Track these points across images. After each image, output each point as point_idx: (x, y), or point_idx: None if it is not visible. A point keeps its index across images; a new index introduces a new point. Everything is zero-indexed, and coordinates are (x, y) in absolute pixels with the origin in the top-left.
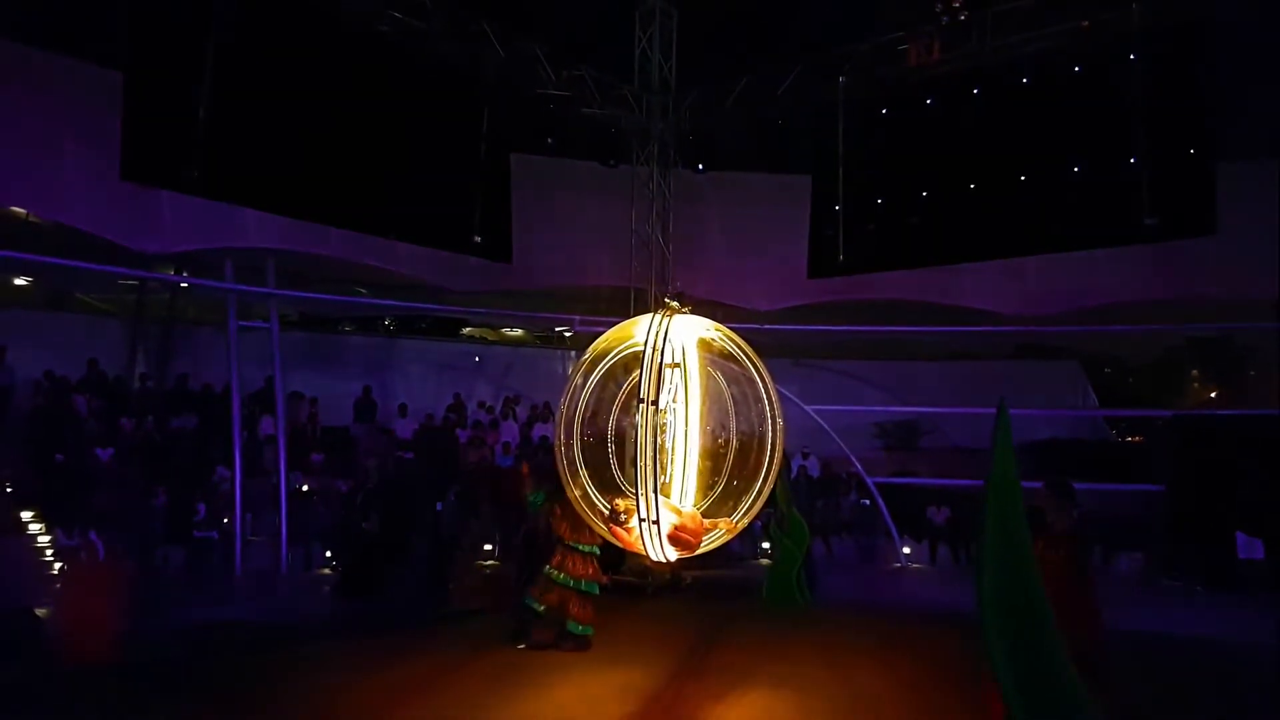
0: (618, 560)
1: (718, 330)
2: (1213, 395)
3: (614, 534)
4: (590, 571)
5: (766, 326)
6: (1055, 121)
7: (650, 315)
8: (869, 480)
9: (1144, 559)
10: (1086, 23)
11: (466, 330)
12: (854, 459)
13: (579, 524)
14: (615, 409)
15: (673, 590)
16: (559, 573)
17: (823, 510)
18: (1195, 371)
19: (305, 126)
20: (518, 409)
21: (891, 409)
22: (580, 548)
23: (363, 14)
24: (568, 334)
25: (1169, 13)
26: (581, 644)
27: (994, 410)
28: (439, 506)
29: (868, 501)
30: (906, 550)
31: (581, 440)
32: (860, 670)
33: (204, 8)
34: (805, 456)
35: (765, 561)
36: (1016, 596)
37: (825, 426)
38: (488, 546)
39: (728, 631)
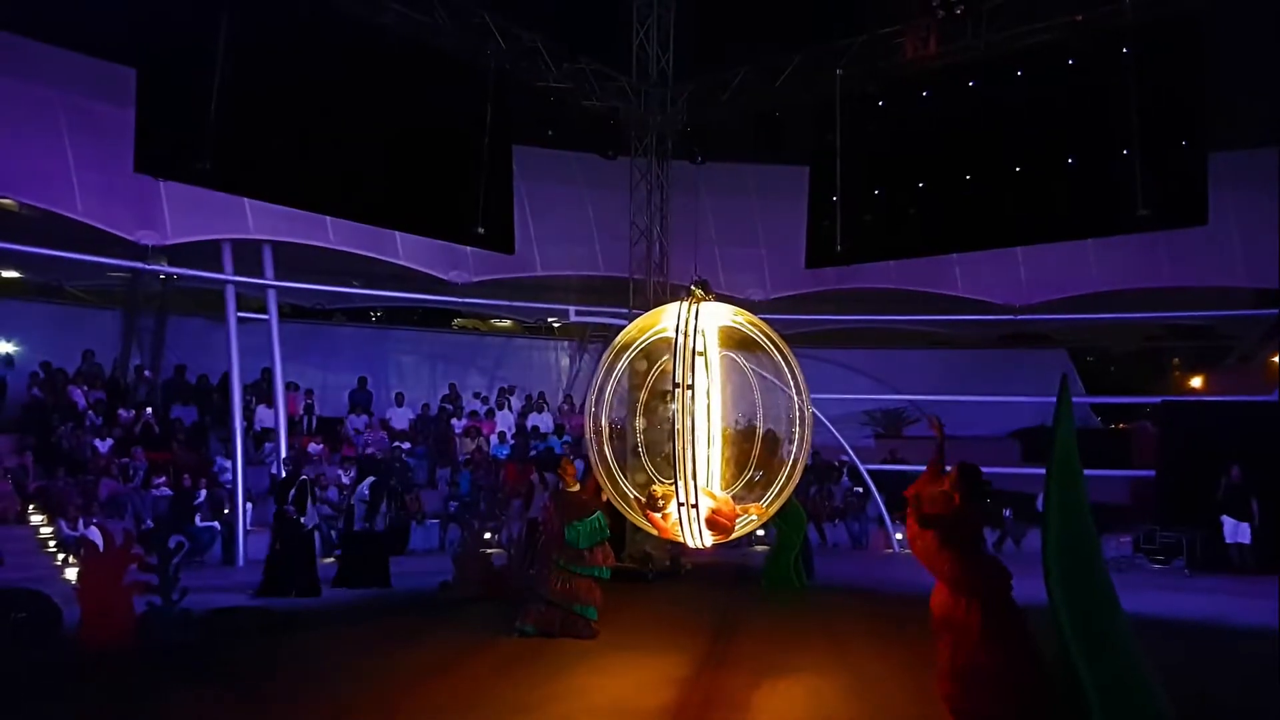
0: (618, 547)
1: (741, 315)
2: (1194, 383)
3: (650, 520)
4: (603, 559)
5: (762, 316)
6: (1049, 114)
7: (677, 304)
8: (862, 467)
9: (1131, 542)
10: (1080, 16)
11: (458, 321)
12: (847, 446)
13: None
14: (643, 397)
15: (673, 576)
16: (573, 563)
17: (815, 497)
18: (1176, 360)
19: (312, 119)
20: (511, 399)
21: (884, 397)
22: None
23: (367, 7)
24: (556, 324)
25: (1161, 6)
26: (587, 630)
27: (984, 398)
28: (353, 500)
29: (860, 489)
30: (899, 536)
31: (610, 429)
32: (864, 655)
33: (213, 2)
34: None
35: (761, 548)
36: (1084, 583)
37: (819, 414)
38: (487, 535)
39: (732, 617)
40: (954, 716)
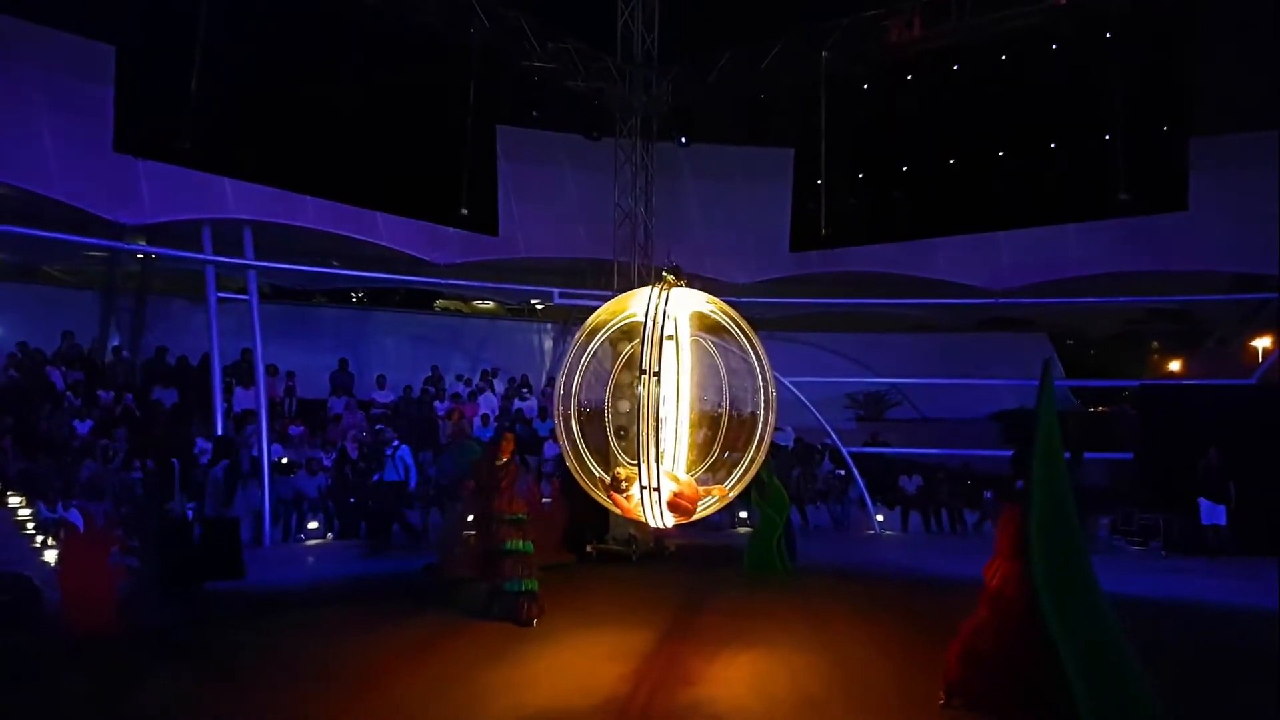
0: (602, 530)
1: (712, 303)
2: (1173, 367)
3: (614, 501)
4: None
5: (744, 299)
6: (1033, 98)
7: (648, 288)
8: (844, 450)
9: (1109, 524)
10: (1064, 0)
11: (440, 303)
12: (829, 429)
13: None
14: (612, 379)
15: (657, 558)
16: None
17: (798, 479)
18: (1156, 344)
19: (294, 98)
20: (494, 381)
21: (866, 380)
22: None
23: None
24: (539, 307)
25: None
26: (531, 609)
27: (965, 381)
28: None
29: (842, 471)
30: (880, 518)
31: (579, 412)
32: (844, 634)
33: None
34: (777, 429)
35: (745, 530)
36: (1066, 567)
37: (802, 398)
38: (471, 517)
39: (714, 597)
40: (953, 688)
